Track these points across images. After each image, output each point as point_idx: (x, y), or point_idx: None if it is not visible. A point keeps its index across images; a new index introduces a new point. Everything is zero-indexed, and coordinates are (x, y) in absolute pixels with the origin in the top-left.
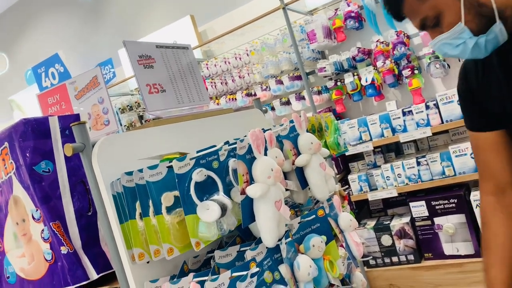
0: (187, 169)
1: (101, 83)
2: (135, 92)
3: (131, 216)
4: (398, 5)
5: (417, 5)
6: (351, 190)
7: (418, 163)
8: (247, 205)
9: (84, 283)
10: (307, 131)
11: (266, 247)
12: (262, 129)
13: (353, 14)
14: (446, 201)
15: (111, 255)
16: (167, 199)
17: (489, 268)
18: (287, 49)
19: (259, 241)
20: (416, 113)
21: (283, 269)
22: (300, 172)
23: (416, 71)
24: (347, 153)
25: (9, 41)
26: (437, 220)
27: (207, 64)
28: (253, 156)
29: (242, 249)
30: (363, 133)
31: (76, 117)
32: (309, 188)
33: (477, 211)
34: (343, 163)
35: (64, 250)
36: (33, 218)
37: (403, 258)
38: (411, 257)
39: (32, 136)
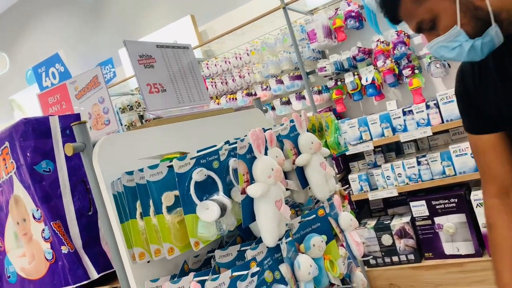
0: (187, 168)
1: (101, 82)
2: (135, 92)
3: (132, 215)
4: (394, 9)
5: (413, 8)
6: (351, 189)
7: (419, 163)
8: (248, 205)
9: (85, 282)
10: (308, 130)
11: (267, 247)
12: (263, 128)
13: (353, 14)
14: (446, 201)
15: (112, 254)
16: (167, 198)
17: (501, 272)
18: (287, 48)
19: (259, 240)
20: (417, 112)
21: (284, 268)
22: (300, 172)
23: (416, 71)
24: (347, 153)
25: (10, 41)
26: (438, 220)
27: (207, 64)
28: (253, 155)
29: (242, 248)
30: (364, 133)
31: (77, 116)
32: (309, 188)
33: (477, 211)
34: (344, 163)
35: (64, 249)
36: (34, 217)
37: (403, 257)
38: (411, 256)
39: (32, 136)
